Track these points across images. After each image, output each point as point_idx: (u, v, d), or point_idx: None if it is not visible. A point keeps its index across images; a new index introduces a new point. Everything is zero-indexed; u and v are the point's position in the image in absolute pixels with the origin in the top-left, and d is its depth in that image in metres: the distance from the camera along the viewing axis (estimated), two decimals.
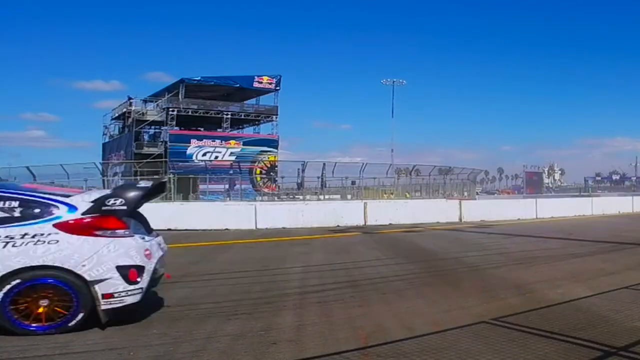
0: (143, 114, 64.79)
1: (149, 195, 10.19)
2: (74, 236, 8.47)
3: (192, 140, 64.90)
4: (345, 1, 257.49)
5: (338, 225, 33.66)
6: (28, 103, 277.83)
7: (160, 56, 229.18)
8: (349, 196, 54.84)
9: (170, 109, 63.73)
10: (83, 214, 8.67)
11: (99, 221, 8.71)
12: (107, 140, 74.49)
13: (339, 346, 7.56)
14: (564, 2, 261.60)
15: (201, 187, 57.12)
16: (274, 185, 64.86)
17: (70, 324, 8.30)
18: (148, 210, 32.12)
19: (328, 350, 7.33)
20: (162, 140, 64.42)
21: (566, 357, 6.81)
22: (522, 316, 9.00)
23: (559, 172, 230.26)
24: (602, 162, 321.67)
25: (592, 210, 44.33)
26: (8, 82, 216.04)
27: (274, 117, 70.52)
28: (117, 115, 70.02)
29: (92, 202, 8.86)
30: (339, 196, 56.16)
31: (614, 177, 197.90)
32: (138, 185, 10.41)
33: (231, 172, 62.69)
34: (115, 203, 8.79)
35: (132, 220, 9.87)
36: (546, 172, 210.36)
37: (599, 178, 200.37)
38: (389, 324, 8.98)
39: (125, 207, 8.92)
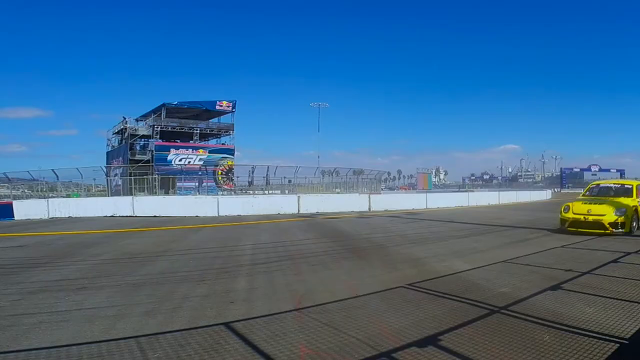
0: (136, 129, 64.29)
1: None
2: None
3: (171, 149, 64.49)
4: (284, 47, 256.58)
5: (279, 213, 33.56)
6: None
7: (151, 86, 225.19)
8: (286, 191, 54.81)
9: (155, 126, 63.29)
10: None
11: None
12: (109, 149, 73.82)
13: (280, 305, 7.66)
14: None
15: (178, 184, 57.05)
16: (232, 183, 64.76)
17: None
18: (139, 201, 31.77)
19: (272, 309, 7.42)
20: (149, 149, 63.88)
21: (450, 314, 6.92)
22: (417, 283, 9.10)
23: (444, 172, 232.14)
24: (477, 165, 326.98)
25: (469, 202, 44.85)
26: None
27: (231, 131, 70.56)
28: (116, 130, 69.52)
29: None
30: (279, 191, 56.14)
31: (485, 177, 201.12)
32: None
33: (200, 173, 62.60)
34: None
35: None
36: (434, 172, 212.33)
37: (474, 177, 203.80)
38: (317, 288, 9.06)
39: None
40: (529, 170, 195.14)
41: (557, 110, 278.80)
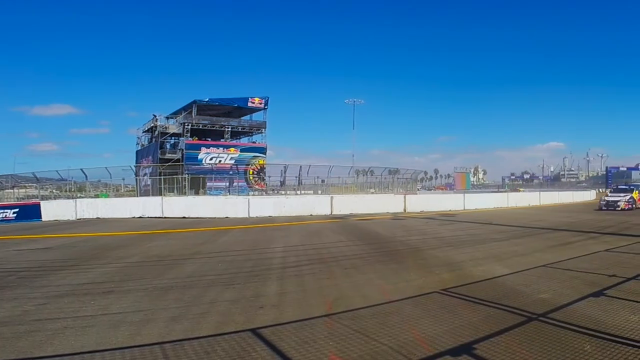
0: (166, 127, 64.91)
1: None
2: None
3: (202, 148, 64.93)
4: (315, 41, 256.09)
5: (311, 214, 33.58)
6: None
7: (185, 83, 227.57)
8: (319, 192, 55.05)
9: (186, 124, 63.90)
10: None
11: None
12: (139, 148, 74.79)
13: (311, 311, 7.69)
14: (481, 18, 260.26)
15: (208, 184, 57.48)
16: (263, 183, 65.11)
17: None
18: (168, 202, 32.01)
19: (303, 315, 7.43)
20: (180, 148, 64.44)
21: (487, 322, 6.86)
22: (453, 288, 9.05)
23: (482, 172, 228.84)
24: (518, 164, 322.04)
25: (508, 203, 44.26)
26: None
27: (263, 129, 70.90)
28: (146, 129, 70.34)
29: None
30: (312, 192, 56.36)
31: (525, 176, 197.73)
32: None
33: (231, 172, 63.07)
34: None
35: None
36: (472, 172, 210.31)
37: (514, 177, 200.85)
38: (349, 293, 9.07)
39: None
40: (573, 169, 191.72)
41: (604, 105, 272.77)
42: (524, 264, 11.76)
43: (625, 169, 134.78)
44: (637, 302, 7.67)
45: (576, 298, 7.99)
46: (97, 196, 44.09)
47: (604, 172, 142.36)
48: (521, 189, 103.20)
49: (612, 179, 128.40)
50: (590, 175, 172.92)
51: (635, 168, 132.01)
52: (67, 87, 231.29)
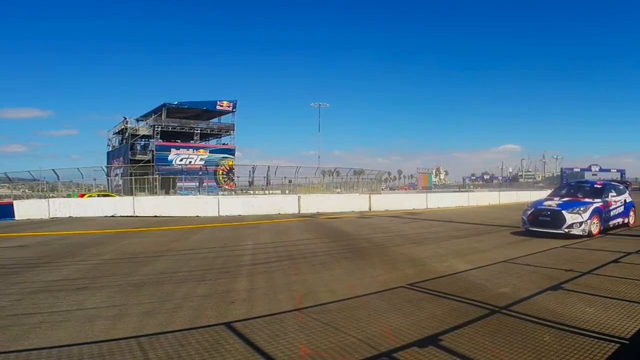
0: (136, 129, 64.85)
1: None
2: None
3: (172, 149, 65.00)
4: (283, 45, 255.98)
5: (279, 213, 33.43)
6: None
7: (151, 87, 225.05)
8: (287, 191, 54.94)
9: (156, 126, 63.85)
10: None
11: None
12: (110, 149, 74.46)
13: (280, 305, 7.67)
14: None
15: (179, 184, 57.49)
16: (232, 183, 65.19)
17: None
18: (139, 201, 31.55)
19: (273, 309, 7.42)
20: (150, 149, 64.39)
21: (451, 314, 6.90)
22: (418, 283, 9.08)
23: (444, 172, 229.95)
24: (477, 165, 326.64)
25: (469, 202, 44.28)
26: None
27: (232, 131, 71.45)
28: (117, 130, 70.26)
29: None
30: (280, 191, 56.26)
31: (485, 176, 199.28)
32: None
33: (200, 173, 63.06)
34: None
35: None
36: (434, 172, 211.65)
37: (474, 177, 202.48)
38: (317, 288, 9.05)
39: None
40: (530, 170, 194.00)
41: (558, 110, 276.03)
42: (485, 260, 11.84)
43: (579, 169, 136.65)
44: (592, 295, 7.78)
45: (535, 292, 8.07)
46: (69, 196, 43.41)
47: (560, 173, 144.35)
48: (474, 189, 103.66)
49: (567, 179, 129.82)
50: (547, 175, 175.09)
51: (589, 169, 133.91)
52: (33, 90, 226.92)
